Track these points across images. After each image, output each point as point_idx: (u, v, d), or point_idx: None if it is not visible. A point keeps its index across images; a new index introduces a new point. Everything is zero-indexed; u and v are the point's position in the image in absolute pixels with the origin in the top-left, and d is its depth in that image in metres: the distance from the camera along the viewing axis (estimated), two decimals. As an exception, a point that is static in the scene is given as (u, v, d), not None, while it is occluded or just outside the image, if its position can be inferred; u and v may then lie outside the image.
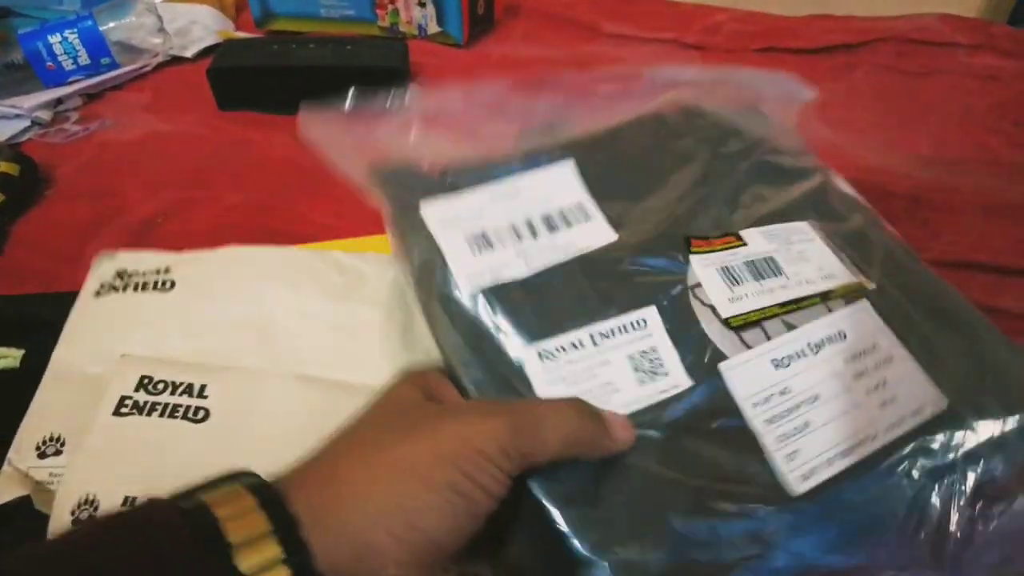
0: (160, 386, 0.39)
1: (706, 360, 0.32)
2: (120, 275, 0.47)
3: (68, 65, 0.75)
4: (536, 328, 0.33)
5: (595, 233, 0.37)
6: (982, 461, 0.31)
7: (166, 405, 0.38)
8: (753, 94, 0.46)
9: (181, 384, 0.39)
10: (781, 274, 0.36)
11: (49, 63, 0.74)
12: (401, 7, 0.82)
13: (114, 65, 0.79)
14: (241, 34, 0.89)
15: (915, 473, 0.30)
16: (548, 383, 0.31)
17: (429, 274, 0.36)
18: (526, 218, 0.37)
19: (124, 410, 0.38)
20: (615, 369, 0.32)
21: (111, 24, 0.79)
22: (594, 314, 0.33)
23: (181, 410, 0.38)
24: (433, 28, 0.83)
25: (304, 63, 0.71)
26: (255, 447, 0.37)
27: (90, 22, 0.75)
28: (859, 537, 0.30)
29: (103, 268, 0.48)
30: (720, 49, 0.88)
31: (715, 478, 0.29)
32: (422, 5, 0.81)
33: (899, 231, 0.58)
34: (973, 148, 0.68)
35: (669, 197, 0.39)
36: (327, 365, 0.42)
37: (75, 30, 0.75)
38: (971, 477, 0.30)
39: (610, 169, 0.40)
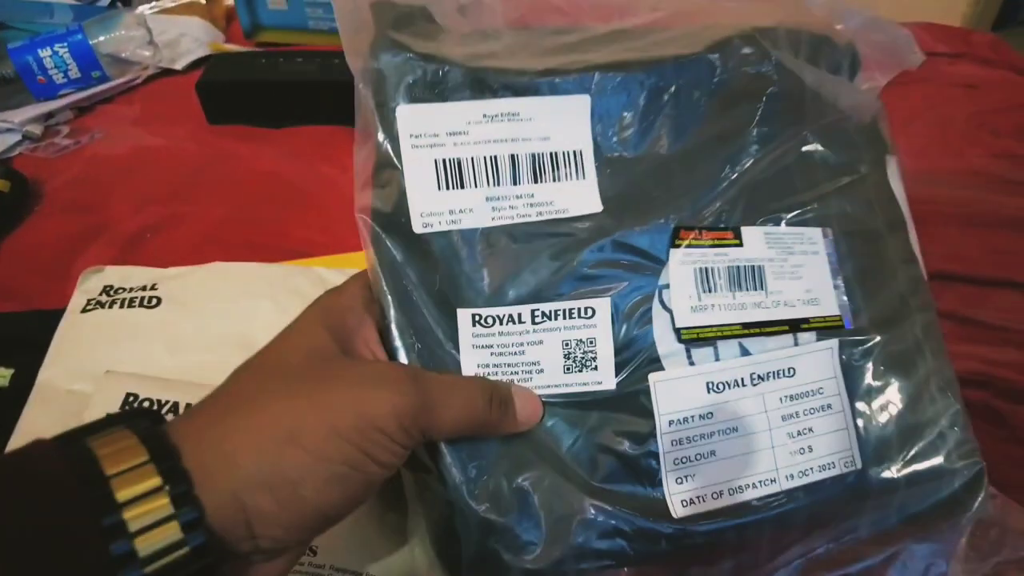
0: (145, 404, 0.40)
1: (641, 367, 0.31)
2: (107, 291, 0.48)
3: (59, 79, 0.76)
4: (478, 289, 0.30)
5: (580, 198, 0.32)
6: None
7: None
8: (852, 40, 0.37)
9: (167, 403, 0.40)
10: (762, 289, 0.33)
11: (40, 77, 0.75)
12: (388, 19, 0.83)
13: (104, 78, 0.80)
14: (231, 46, 0.90)
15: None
16: (474, 347, 0.30)
17: (385, 197, 0.31)
18: (511, 154, 0.31)
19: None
20: (546, 350, 0.30)
21: (101, 37, 0.79)
22: (544, 291, 0.31)
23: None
24: (420, 40, 0.84)
25: (292, 77, 0.72)
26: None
27: (80, 36, 0.76)
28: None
29: (90, 283, 0.49)
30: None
31: (606, 479, 0.30)
32: (409, 18, 0.82)
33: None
34: (952, 158, 0.69)
35: (685, 172, 0.33)
36: None
37: (65, 44, 0.75)
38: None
39: (632, 119, 0.33)
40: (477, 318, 0.30)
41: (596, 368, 0.31)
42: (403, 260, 0.30)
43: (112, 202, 0.64)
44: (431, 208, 0.30)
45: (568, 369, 0.31)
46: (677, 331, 0.31)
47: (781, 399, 0.32)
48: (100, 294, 0.48)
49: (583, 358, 0.31)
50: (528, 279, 0.31)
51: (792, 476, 0.31)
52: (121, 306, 0.46)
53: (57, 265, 0.56)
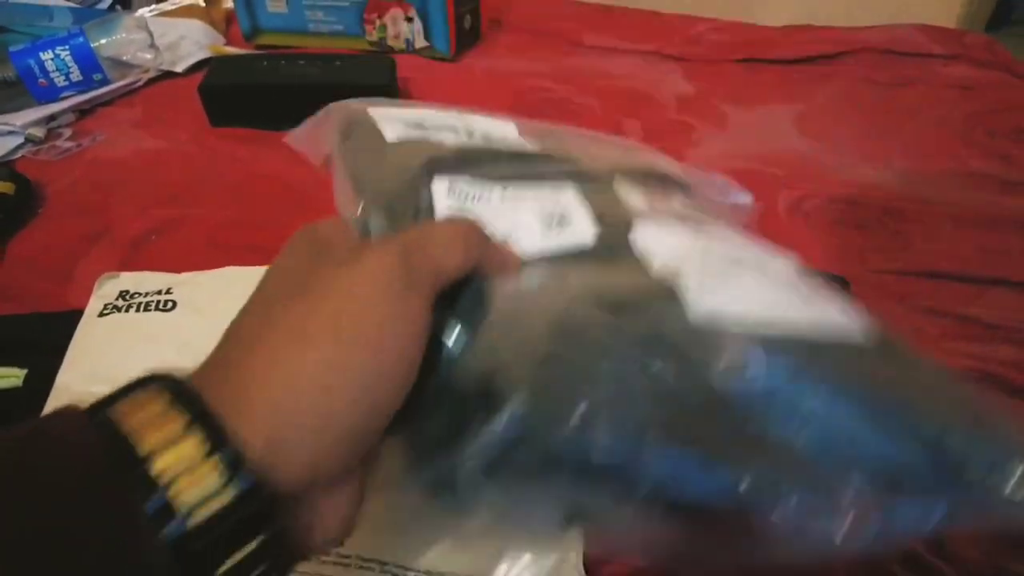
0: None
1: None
2: (123, 295, 0.49)
3: (60, 81, 0.76)
4: (453, 171, 0.31)
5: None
6: None
7: None
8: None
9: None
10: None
11: (41, 79, 0.75)
12: (389, 22, 0.84)
13: (106, 81, 0.80)
14: (231, 49, 0.90)
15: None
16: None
17: (356, 127, 0.33)
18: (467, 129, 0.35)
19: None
20: (522, 217, 0.30)
21: (102, 40, 0.80)
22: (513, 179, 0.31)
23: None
24: (420, 42, 0.85)
25: (294, 80, 0.72)
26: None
27: (81, 39, 0.77)
28: None
29: (106, 288, 0.50)
30: (701, 60, 0.90)
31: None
32: (410, 20, 0.83)
33: (872, 242, 0.60)
34: (947, 158, 0.70)
35: None
36: None
37: (67, 47, 0.76)
38: None
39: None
40: (453, 188, 0.30)
41: (573, 227, 0.30)
42: (378, 165, 0.32)
43: (115, 205, 0.64)
44: (401, 134, 0.33)
45: (548, 228, 0.29)
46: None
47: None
48: (116, 299, 0.48)
49: (560, 222, 0.30)
50: (499, 172, 0.31)
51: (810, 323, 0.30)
52: (137, 310, 0.47)
53: (61, 267, 0.56)
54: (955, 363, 0.35)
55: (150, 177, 0.68)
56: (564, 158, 0.36)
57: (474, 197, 0.30)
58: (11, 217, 0.60)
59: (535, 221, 0.29)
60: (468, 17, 0.86)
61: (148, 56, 0.83)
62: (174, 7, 0.99)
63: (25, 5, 0.93)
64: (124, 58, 0.82)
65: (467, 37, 0.88)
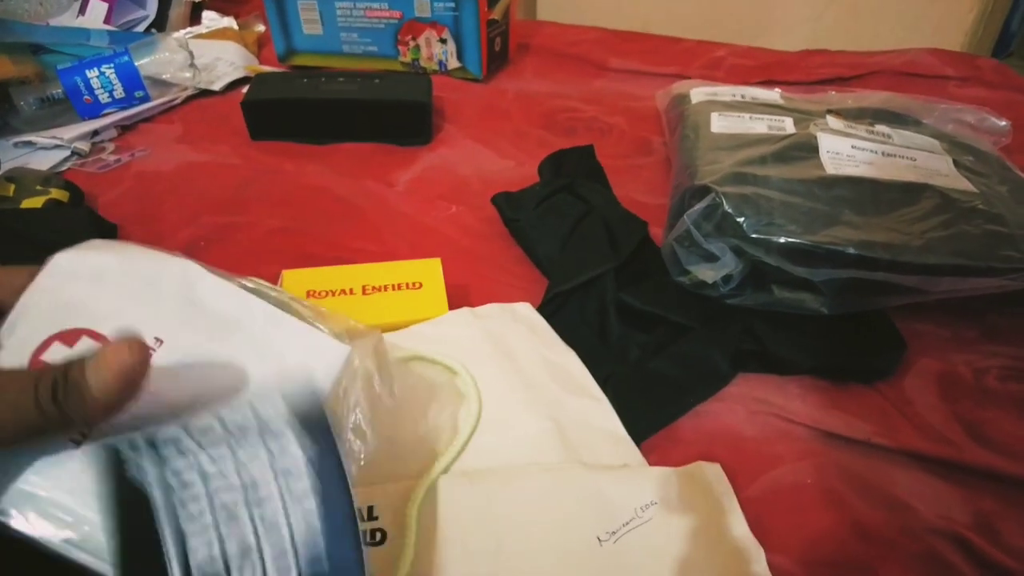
0: None
1: None
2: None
3: (104, 98, 0.78)
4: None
5: None
6: None
7: None
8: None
9: None
10: None
11: (87, 96, 0.77)
12: (423, 44, 0.86)
13: (146, 98, 0.82)
14: (268, 68, 0.93)
15: None
16: None
17: None
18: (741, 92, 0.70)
19: None
20: (756, 125, 0.59)
21: (144, 59, 0.82)
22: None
23: None
24: (453, 64, 0.87)
25: (333, 96, 0.74)
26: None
27: (127, 57, 0.79)
28: None
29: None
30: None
31: None
32: (443, 42, 0.86)
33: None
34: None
35: None
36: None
37: (112, 65, 0.78)
38: None
39: None
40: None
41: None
42: None
43: (164, 214, 0.66)
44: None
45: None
46: None
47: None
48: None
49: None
50: None
51: None
52: None
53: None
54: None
55: (196, 188, 0.69)
56: (796, 107, 0.62)
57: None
58: (65, 224, 0.62)
59: (764, 126, 0.55)
60: (498, 40, 0.89)
61: (187, 75, 0.85)
62: (208, 30, 1.01)
63: (64, 28, 0.95)
64: (164, 77, 0.85)
65: (497, 59, 0.91)
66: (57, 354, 0.27)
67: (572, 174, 0.65)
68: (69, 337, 0.28)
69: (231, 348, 0.29)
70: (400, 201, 0.68)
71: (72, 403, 0.22)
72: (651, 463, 0.42)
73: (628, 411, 0.44)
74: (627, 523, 0.37)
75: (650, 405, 0.45)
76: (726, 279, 0.50)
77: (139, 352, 0.23)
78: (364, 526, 0.36)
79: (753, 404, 0.47)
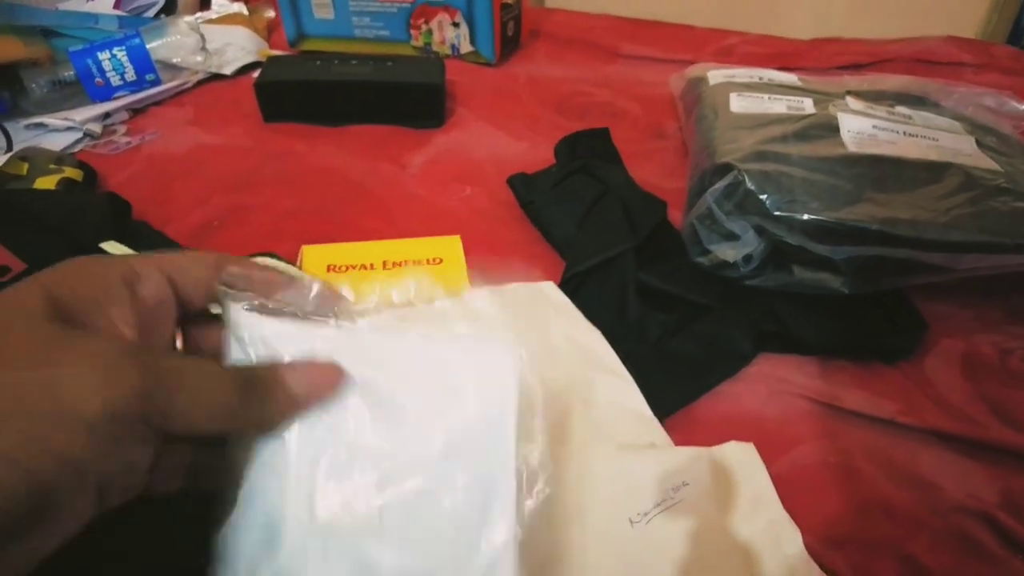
0: None
1: None
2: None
3: (115, 81, 0.78)
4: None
5: None
6: None
7: None
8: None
9: None
10: None
11: (98, 79, 0.77)
12: (435, 27, 0.86)
13: (157, 81, 0.82)
14: (279, 53, 0.92)
15: None
16: None
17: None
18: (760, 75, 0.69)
19: None
20: (774, 106, 0.59)
21: (155, 43, 0.82)
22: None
23: None
24: (466, 48, 0.87)
25: (346, 78, 0.74)
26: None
27: (138, 40, 0.78)
28: None
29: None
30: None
31: None
32: (456, 25, 0.85)
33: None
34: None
35: None
36: None
37: (123, 48, 0.78)
38: None
39: None
40: None
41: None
42: None
43: (176, 195, 0.65)
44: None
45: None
46: None
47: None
48: None
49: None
50: None
51: None
52: None
53: (130, 251, 0.57)
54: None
55: (209, 169, 0.69)
56: (815, 89, 0.63)
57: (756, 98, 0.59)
58: (78, 203, 0.61)
59: (783, 106, 0.55)
60: (511, 24, 0.89)
61: (198, 59, 0.85)
62: (218, 16, 1.01)
63: (73, 12, 0.95)
64: (174, 60, 0.84)
65: (510, 44, 0.90)
66: None
67: (588, 155, 0.65)
68: None
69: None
70: (414, 183, 0.67)
71: (264, 404, 0.23)
72: (674, 443, 0.42)
73: (649, 390, 0.44)
74: (659, 504, 0.36)
75: (671, 384, 0.45)
76: (746, 259, 0.49)
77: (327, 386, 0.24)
78: None
79: (774, 383, 0.46)
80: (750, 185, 0.47)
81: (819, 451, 0.42)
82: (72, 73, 0.77)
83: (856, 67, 0.92)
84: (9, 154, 0.65)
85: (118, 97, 0.79)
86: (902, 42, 0.95)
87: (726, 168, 0.49)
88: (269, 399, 0.23)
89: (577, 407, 0.41)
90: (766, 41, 1.00)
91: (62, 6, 0.98)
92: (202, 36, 0.84)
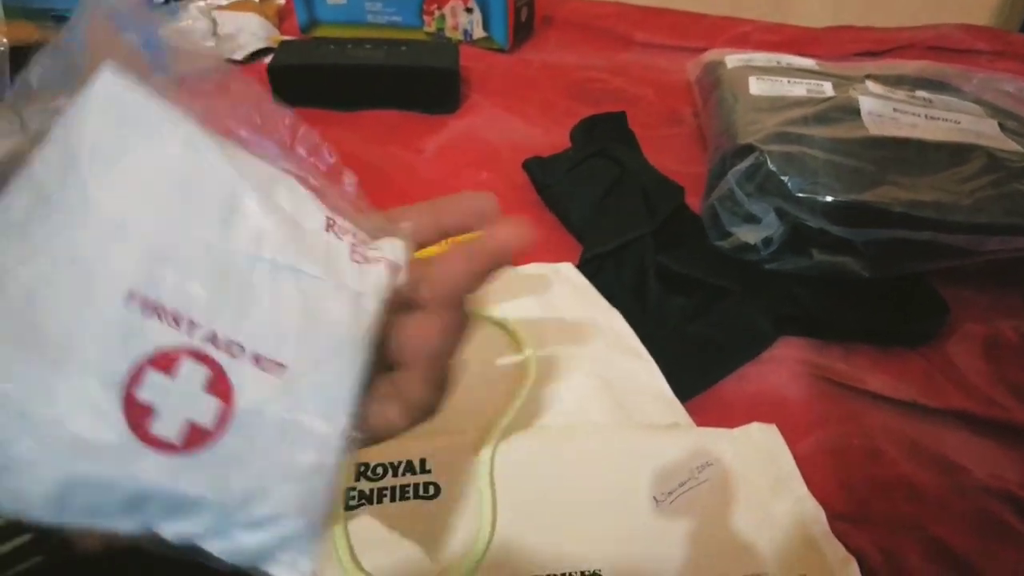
0: (380, 470, 0.37)
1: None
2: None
3: (128, 65, 0.78)
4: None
5: None
6: None
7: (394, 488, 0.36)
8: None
9: (400, 463, 0.37)
10: None
11: (111, 63, 0.77)
12: (448, 13, 0.85)
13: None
14: (292, 38, 0.92)
15: None
16: None
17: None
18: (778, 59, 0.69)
19: (352, 503, 0.35)
20: (795, 90, 0.58)
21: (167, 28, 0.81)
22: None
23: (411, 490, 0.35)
24: (479, 33, 0.86)
25: (360, 62, 0.74)
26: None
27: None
28: None
29: None
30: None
31: None
32: (469, 11, 0.85)
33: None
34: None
35: None
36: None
37: (136, 31, 0.77)
38: None
39: None
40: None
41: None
42: None
43: (191, 178, 0.65)
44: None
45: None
46: None
47: None
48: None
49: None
50: None
51: None
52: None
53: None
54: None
55: (223, 153, 0.69)
56: (834, 72, 0.62)
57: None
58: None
59: (803, 89, 0.53)
60: (525, 10, 0.88)
61: (210, 44, 0.85)
62: (228, 2, 1.00)
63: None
64: (186, 45, 0.84)
65: (523, 30, 0.90)
66: None
67: (605, 139, 0.65)
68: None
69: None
70: (428, 168, 0.67)
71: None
72: (696, 424, 0.42)
73: (670, 373, 0.44)
74: (683, 483, 0.36)
75: (692, 367, 0.45)
76: (766, 242, 0.49)
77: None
78: (416, 479, 0.36)
79: (796, 366, 0.46)
80: (772, 166, 0.47)
81: (843, 434, 0.42)
82: (85, 57, 0.76)
83: (871, 55, 0.92)
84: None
85: (131, 81, 0.79)
86: (917, 30, 0.94)
87: (748, 149, 0.49)
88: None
89: (597, 384, 0.41)
90: (780, 29, 0.99)
91: (73, -9, 0.98)
92: (214, 21, 0.84)
